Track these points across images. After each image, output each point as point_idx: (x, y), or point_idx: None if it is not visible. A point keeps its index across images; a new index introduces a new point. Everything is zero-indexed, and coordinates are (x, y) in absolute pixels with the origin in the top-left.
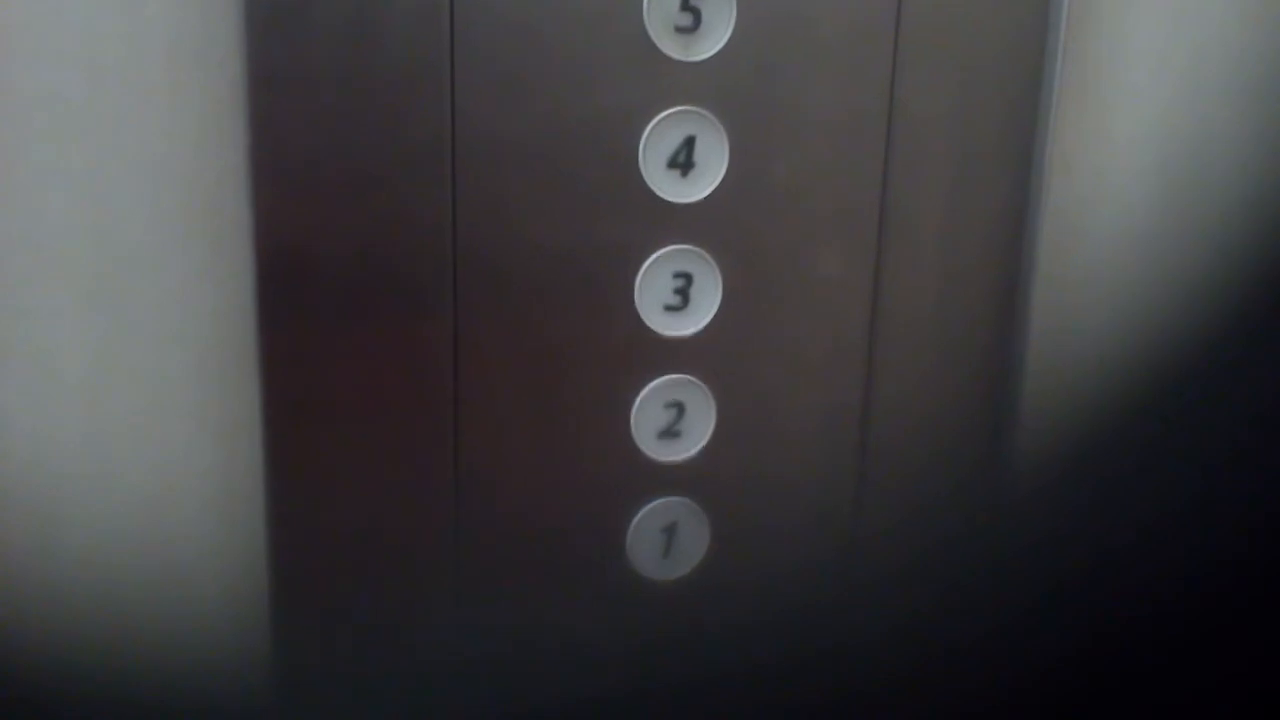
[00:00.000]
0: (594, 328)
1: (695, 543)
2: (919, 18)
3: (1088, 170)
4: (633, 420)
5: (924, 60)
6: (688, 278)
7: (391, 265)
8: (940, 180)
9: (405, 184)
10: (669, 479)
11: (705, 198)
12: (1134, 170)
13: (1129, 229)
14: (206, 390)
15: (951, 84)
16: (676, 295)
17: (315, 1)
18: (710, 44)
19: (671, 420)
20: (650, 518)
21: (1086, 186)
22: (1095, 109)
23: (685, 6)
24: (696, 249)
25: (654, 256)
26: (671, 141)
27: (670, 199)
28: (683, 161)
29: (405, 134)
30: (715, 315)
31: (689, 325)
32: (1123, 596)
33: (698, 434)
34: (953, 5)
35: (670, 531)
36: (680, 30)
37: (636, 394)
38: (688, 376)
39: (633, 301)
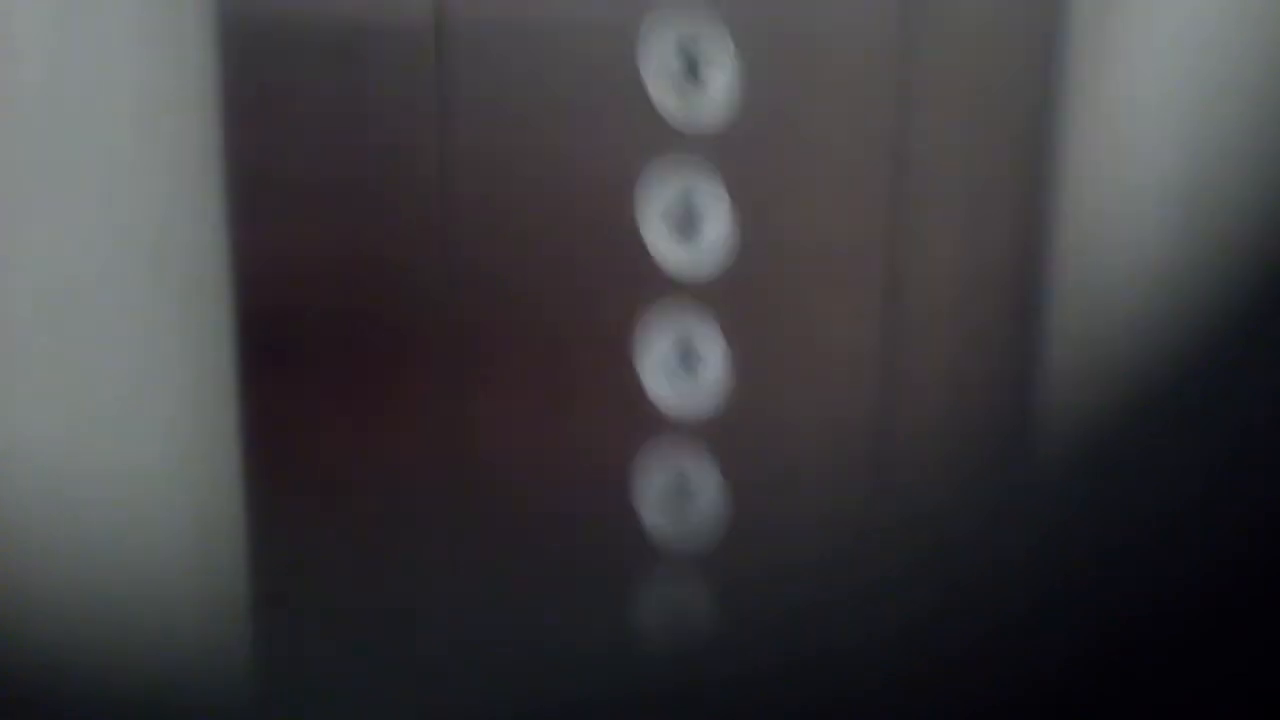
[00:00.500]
0: (596, 402)
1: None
2: (927, 61)
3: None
4: (640, 499)
5: (932, 108)
6: (691, 347)
7: (382, 327)
8: (950, 230)
9: (397, 248)
10: (678, 561)
11: (708, 262)
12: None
13: (1144, 262)
14: (187, 446)
15: (961, 127)
16: (680, 365)
17: (298, 48)
18: (713, 102)
19: (679, 501)
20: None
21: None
22: (1109, 159)
23: (685, 62)
24: (701, 317)
25: (657, 326)
26: (672, 205)
27: (671, 265)
28: (684, 225)
29: (394, 198)
30: (721, 387)
31: (695, 397)
32: (1147, 589)
33: (706, 515)
34: (960, 46)
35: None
36: (681, 87)
37: (643, 472)
38: (694, 454)
39: (636, 372)
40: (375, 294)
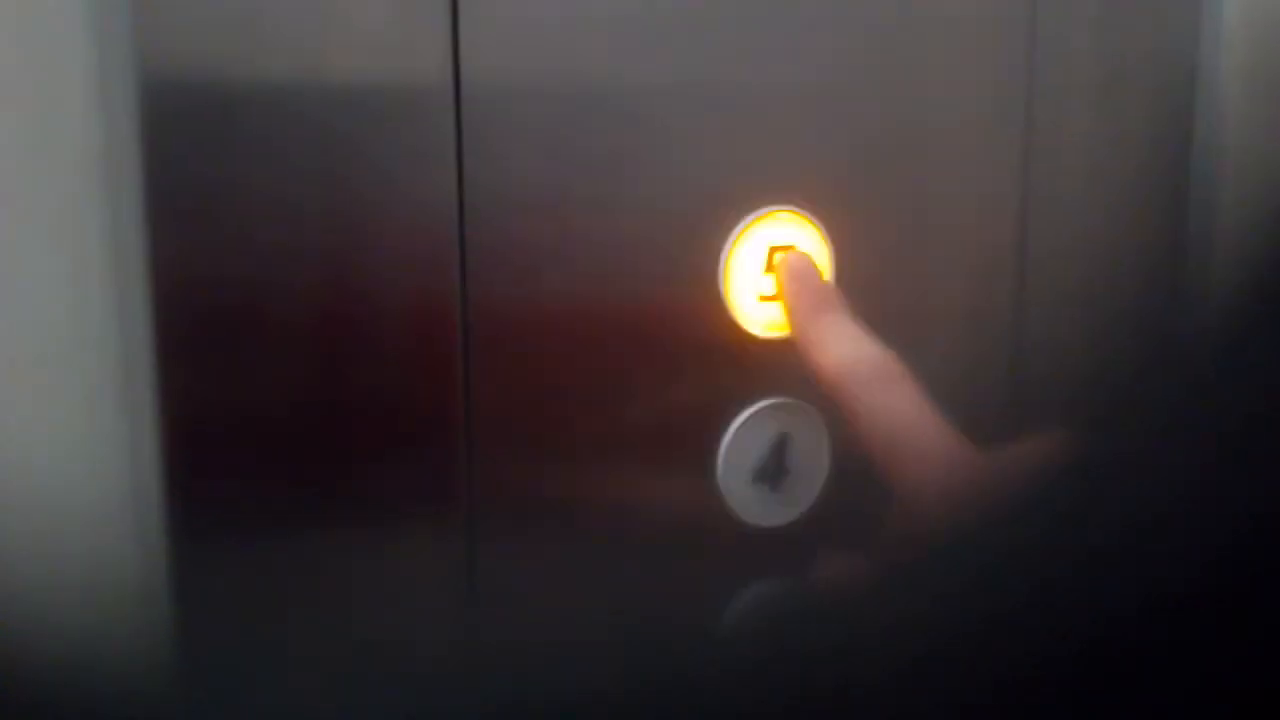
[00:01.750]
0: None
1: None
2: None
3: None
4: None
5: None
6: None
7: (371, 491)
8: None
9: (396, 393)
10: None
11: (800, 518)
12: None
13: None
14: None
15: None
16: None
17: (255, 120)
18: None
19: None
20: None
21: None
22: None
23: (772, 267)
24: (788, 581)
25: (735, 596)
26: (759, 443)
27: (756, 522)
28: (773, 471)
29: (395, 330)
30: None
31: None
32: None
33: None
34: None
35: None
36: (766, 301)
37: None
38: None
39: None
40: (363, 450)
